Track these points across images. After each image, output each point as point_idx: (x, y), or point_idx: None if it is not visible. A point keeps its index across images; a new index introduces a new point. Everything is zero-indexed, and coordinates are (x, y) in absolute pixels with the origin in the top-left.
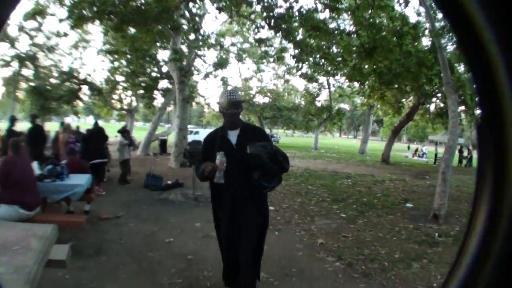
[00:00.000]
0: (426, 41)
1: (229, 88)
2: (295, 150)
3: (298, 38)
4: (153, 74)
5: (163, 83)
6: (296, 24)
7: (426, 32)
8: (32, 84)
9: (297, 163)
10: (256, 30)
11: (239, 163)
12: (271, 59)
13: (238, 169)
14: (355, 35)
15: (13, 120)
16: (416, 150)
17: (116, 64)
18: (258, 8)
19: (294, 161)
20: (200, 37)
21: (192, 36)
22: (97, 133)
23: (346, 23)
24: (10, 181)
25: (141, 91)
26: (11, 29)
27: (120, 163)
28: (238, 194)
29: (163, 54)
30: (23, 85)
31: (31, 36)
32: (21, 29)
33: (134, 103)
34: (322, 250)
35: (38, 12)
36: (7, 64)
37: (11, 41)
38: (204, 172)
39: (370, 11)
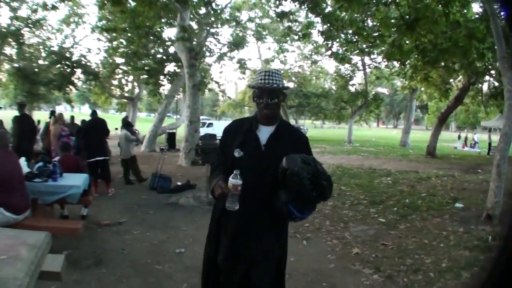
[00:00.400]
0: (476, 8)
1: (267, 67)
2: (325, 144)
3: (326, 11)
4: (158, 56)
5: (170, 67)
6: None
7: None
8: (16, 65)
9: (328, 159)
10: (277, 1)
11: (263, 175)
12: (296, 37)
13: (259, 182)
14: (393, 5)
15: None
16: (466, 139)
17: (115, 43)
18: None
19: (325, 157)
20: (212, 12)
21: (202, 11)
22: (98, 125)
23: None
24: None
25: (145, 76)
26: None
27: (125, 161)
28: (254, 215)
29: (169, 32)
30: (5, 66)
31: (13, 8)
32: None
33: (137, 90)
34: (358, 261)
35: None
36: None
37: None
38: (214, 192)
39: None
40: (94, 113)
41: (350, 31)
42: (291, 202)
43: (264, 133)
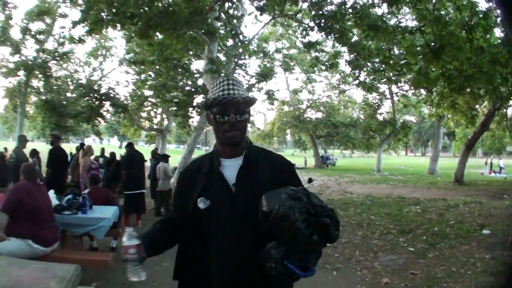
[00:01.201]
0: (498, 32)
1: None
2: (354, 173)
3: (353, 40)
4: (187, 88)
5: (199, 99)
6: (350, 23)
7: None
8: (43, 97)
9: (358, 189)
10: (304, 32)
11: (241, 226)
12: (323, 67)
13: (238, 237)
14: (418, 33)
15: (23, 140)
16: (491, 164)
17: (143, 76)
18: (305, 5)
19: (354, 186)
20: (240, 43)
21: (230, 42)
22: (137, 157)
23: (407, 18)
24: (22, 212)
25: (174, 108)
26: (14, 31)
27: (162, 193)
28: (238, 286)
29: (197, 64)
30: (32, 98)
31: (39, 41)
32: (26, 31)
33: (166, 122)
34: None
35: (44, 12)
36: (11, 72)
37: (15, 45)
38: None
39: (434, 1)
40: (131, 145)
41: (377, 60)
42: (287, 257)
43: (231, 168)
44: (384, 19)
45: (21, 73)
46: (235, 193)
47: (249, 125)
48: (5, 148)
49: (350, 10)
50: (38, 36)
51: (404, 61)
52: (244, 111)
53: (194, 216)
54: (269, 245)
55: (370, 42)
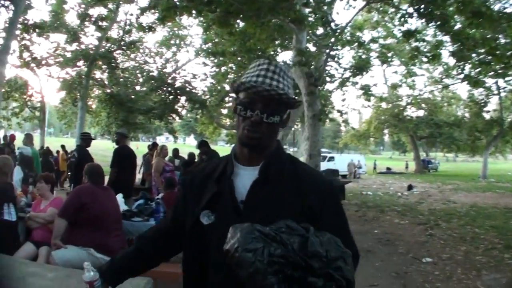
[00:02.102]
0: None
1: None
2: (458, 180)
3: (455, 28)
4: None
5: None
6: (452, 9)
7: None
8: (108, 91)
9: (462, 198)
10: (402, 19)
11: None
12: (424, 58)
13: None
14: None
15: (86, 138)
16: None
17: (223, 69)
18: None
19: (458, 195)
20: (331, 32)
21: (320, 31)
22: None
23: None
24: (84, 217)
25: None
26: (70, 16)
27: None
28: None
29: (284, 56)
30: (95, 91)
31: (101, 28)
32: (85, 17)
33: None
34: None
35: None
36: (69, 62)
37: (72, 32)
38: None
39: None
40: (206, 144)
41: (483, 51)
42: None
43: (245, 179)
44: (487, 4)
45: (81, 63)
46: (243, 213)
47: (342, 123)
48: (63, 146)
49: None
50: (99, 23)
51: (511, 52)
52: (276, 110)
53: (194, 233)
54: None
55: (474, 30)
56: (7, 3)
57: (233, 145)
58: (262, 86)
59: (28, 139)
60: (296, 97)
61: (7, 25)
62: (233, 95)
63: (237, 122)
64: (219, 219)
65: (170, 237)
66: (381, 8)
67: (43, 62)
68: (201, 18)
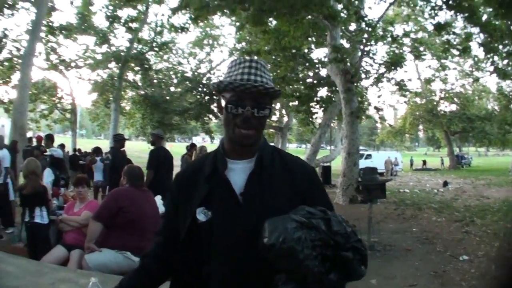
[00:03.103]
0: None
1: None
2: (490, 174)
3: (483, 19)
4: (309, 80)
5: (323, 92)
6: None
7: None
8: (142, 92)
9: (494, 193)
10: (432, 12)
11: (248, 246)
12: (455, 51)
13: (243, 259)
14: None
15: (120, 140)
16: None
17: None
18: None
19: (491, 190)
20: (366, 27)
21: (352, 27)
22: None
23: None
24: (121, 220)
25: (295, 103)
26: (98, 18)
27: None
28: None
29: (318, 53)
30: (129, 93)
31: (131, 29)
32: (114, 19)
33: (286, 119)
34: None
35: None
36: (99, 64)
37: (101, 34)
38: None
39: None
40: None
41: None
42: None
43: (239, 173)
44: None
45: (113, 65)
46: (243, 205)
47: (378, 120)
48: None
49: None
50: (129, 24)
51: None
52: (265, 104)
53: (191, 232)
54: (278, 279)
55: (500, 21)
56: (27, 5)
57: (271, 144)
58: (249, 83)
59: (50, 140)
60: (276, 88)
61: (30, 27)
62: (216, 96)
63: (226, 121)
64: (218, 214)
65: (169, 247)
66: (410, 2)
67: (72, 64)
68: (234, 17)
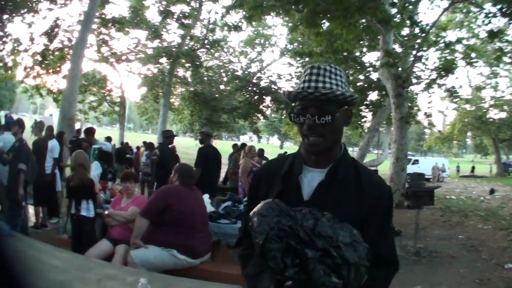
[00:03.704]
0: None
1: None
2: None
3: None
4: (359, 84)
5: (373, 96)
6: None
7: None
8: (192, 89)
9: None
10: (486, 19)
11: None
12: (506, 59)
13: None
14: None
15: (169, 135)
16: None
17: None
18: None
19: None
20: (419, 32)
21: (405, 32)
22: None
23: None
24: (169, 218)
25: None
26: (151, 12)
27: None
28: None
29: (369, 57)
30: (177, 89)
31: (184, 25)
32: (167, 14)
33: None
34: None
35: None
36: (150, 59)
37: (153, 29)
38: None
39: None
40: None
41: None
42: None
43: (311, 180)
44: None
45: (164, 60)
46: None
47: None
48: (145, 143)
49: None
50: (182, 21)
51: None
52: (327, 110)
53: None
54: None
55: None
56: None
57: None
58: (307, 90)
59: (90, 134)
60: (347, 93)
61: (82, 18)
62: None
63: (298, 130)
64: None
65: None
66: (464, 9)
67: (123, 57)
68: (287, 18)
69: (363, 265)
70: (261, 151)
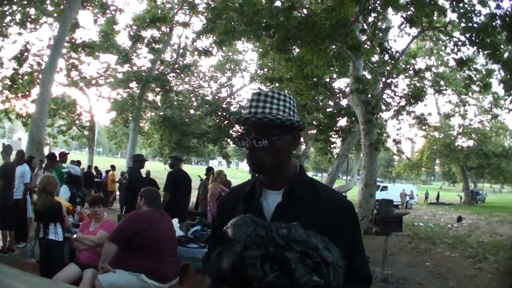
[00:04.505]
0: None
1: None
2: (504, 212)
3: (505, 56)
4: (329, 110)
5: (342, 122)
6: (501, 37)
7: None
8: (161, 113)
9: (507, 230)
10: (455, 47)
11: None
12: (476, 88)
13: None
14: None
15: (140, 160)
16: None
17: None
18: (453, 16)
19: (504, 227)
20: (389, 59)
21: (374, 58)
22: None
23: None
24: (137, 243)
25: (313, 132)
26: (121, 37)
27: None
28: None
29: (340, 83)
30: (147, 114)
31: (154, 50)
32: (137, 39)
33: (303, 147)
34: None
35: (159, 19)
36: (120, 83)
37: (123, 53)
38: None
39: None
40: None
41: None
42: None
43: (271, 202)
44: None
45: (133, 85)
46: None
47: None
48: (112, 166)
49: (499, 23)
50: (153, 45)
51: None
52: (265, 134)
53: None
54: None
55: None
56: (50, 20)
57: None
58: (245, 116)
59: (53, 160)
60: (284, 118)
61: (52, 42)
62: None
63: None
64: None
65: None
66: (433, 37)
67: (93, 82)
68: (257, 44)
69: (339, 266)
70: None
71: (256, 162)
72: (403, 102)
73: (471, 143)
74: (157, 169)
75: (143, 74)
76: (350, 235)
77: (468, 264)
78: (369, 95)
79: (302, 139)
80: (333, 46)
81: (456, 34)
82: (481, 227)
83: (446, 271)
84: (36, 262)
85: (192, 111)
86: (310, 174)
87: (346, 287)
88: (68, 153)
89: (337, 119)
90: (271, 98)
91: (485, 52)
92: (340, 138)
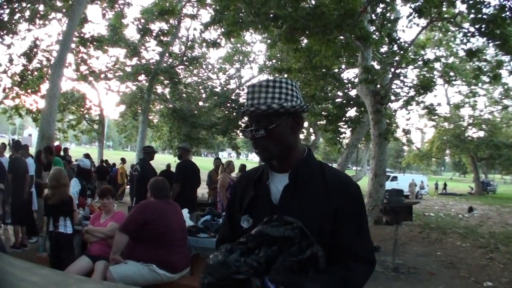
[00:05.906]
0: None
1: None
2: None
3: None
4: (338, 100)
5: (352, 112)
6: (511, 28)
7: None
8: (170, 105)
9: None
10: (464, 38)
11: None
12: (486, 78)
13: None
14: None
15: (150, 151)
16: None
17: None
18: (463, 7)
19: None
20: (398, 50)
21: (383, 49)
22: None
23: None
24: (148, 233)
25: (323, 122)
26: (129, 31)
27: None
28: None
29: (348, 73)
30: (156, 106)
31: (163, 43)
32: (145, 32)
33: (313, 137)
34: None
35: (167, 12)
36: (129, 76)
37: (132, 47)
38: None
39: None
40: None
41: None
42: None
43: (278, 185)
44: None
45: (142, 78)
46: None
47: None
48: (123, 159)
49: (509, 14)
50: (161, 38)
51: None
52: (262, 124)
53: (237, 237)
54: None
55: None
56: (59, 15)
57: None
58: (247, 109)
59: (49, 153)
60: (278, 104)
61: (60, 38)
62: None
63: None
64: (257, 222)
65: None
66: (443, 28)
67: (102, 76)
68: (266, 35)
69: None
70: (243, 166)
71: (261, 151)
72: (412, 93)
73: (481, 133)
74: (166, 161)
75: (152, 67)
76: (355, 217)
77: (480, 254)
78: (378, 85)
79: (311, 130)
80: (342, 37)
81: (466, 25)
82: (492, 217)
83: (457, 261)
84: (47, 256)
85: (201, 103)
86: None
87: (351, 268)
88: (67, 148)
89: (346, 109)
90: (266, 87)
91: (495, 43)
92: (350, 128)
